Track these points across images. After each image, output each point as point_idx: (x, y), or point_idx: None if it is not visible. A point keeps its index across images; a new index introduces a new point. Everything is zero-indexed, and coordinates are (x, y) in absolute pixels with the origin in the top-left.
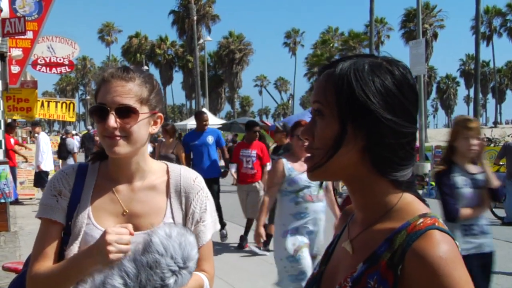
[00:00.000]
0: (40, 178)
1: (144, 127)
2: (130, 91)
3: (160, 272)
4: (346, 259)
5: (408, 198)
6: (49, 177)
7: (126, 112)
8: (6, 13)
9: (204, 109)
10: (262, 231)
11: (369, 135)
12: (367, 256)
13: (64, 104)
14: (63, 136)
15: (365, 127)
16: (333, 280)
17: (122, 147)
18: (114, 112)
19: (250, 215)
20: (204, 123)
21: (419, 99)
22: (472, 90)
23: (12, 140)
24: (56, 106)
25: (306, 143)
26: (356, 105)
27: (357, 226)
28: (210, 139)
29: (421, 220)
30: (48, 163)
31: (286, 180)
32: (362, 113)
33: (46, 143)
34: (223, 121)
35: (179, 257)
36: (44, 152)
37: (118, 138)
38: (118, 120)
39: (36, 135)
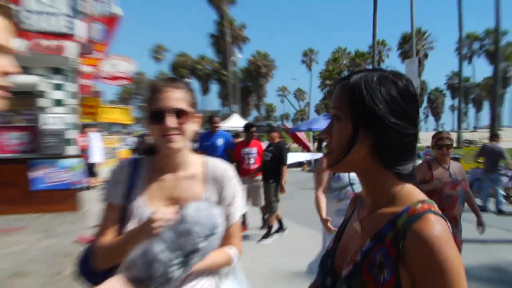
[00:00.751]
0: (91, 168)
1: (192, 125)
2: (182, 97)
3: (192, 238)
4: (356, 237)
5: (409, 187)
6: (97, 168)
7: (181, 114)
8: (80, 37)
9: (236, 115)
10: (327, 219)
11: (377, 135)
12: (373, 234)
13: (122, 110)
14: (141, 134)
15: (373, 129)
16: (344, 254)
17: (179, 143)
18: (172, 115)
19: (257, 204)
20: (215, 125)
21: (419, 105)
22: (456, 101)
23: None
24: (117, 112)
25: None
26: (366, 111)
27: (366, 210)
28: (220, 141)
29: (419, 205)
30: (97, 157)
31: (332, 177)
32: (371, 117)
33: (95, 141)
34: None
35: (207, 225)
36: (94, 148)
37: (175, 135)
38: (175, 121)
39: (89, 134)
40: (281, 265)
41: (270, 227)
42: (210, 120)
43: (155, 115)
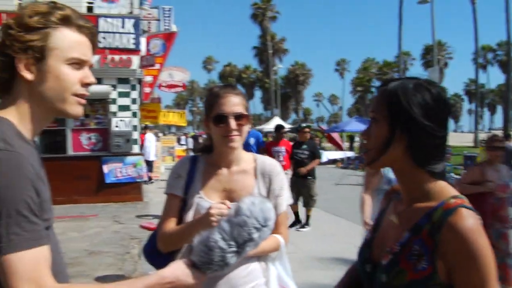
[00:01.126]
0: (148, 164)
1: (247, 126)
2: (240, 102)
3: (247, 229)
4: (392, 228)
5: (442, 184)
6: (153, 165)
7: (241, 117)
8: (143, 52)
9: (277, 117)
10: (367, 221)
11: (411, 137)
12: (410, 227)
13: (178, 114)
14: (194, 135)
15: (408, 131)
16: (382, 244)
17: (238, 142)
18: (233, 118)
19: None
20: None
21: (450, 110)
22: (473, 105)
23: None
24: (174, 115)
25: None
26: (402, 114)
27: (402, 204)
28: (252, 140)
29: (453, 200)
30: (151, 155)
31: (383, 180)
32: (407, 120)
33: (150, 141)
34: (290, 126)
35: (261, 218)
36: (148, 147)
37: (235, 136)
38: (235, 123)
39: (146, 135)
40: (318, 251)
41: (308, 217)
42: None
43: (218, 118)
